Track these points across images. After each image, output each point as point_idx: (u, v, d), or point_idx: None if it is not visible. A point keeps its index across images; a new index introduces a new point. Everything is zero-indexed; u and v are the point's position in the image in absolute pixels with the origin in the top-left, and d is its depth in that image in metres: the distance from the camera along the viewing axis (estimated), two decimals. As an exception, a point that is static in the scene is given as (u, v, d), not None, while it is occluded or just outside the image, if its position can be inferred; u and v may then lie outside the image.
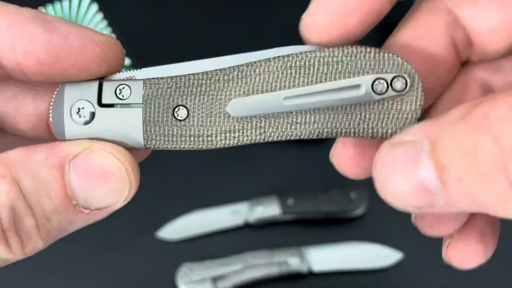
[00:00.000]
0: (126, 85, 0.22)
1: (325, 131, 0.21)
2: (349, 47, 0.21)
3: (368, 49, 0.21)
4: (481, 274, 0.49)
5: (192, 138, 0.22)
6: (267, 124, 0.21)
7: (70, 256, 0.51)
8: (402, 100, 0.21)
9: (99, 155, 0.20)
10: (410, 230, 0.52)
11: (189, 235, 0.51)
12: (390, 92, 0.21)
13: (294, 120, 0.21)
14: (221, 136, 0.21)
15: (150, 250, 0.51)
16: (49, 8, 0.64)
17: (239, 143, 0.22)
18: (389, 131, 0.21)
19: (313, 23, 0.21)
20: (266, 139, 0.21)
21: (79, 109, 0.21)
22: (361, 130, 0.21)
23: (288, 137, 0.21)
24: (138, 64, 0.61)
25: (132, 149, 0.22)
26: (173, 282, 0.49)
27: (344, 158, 0.25)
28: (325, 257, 0.49)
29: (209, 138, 0.22)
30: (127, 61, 0.61)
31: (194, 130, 0.22)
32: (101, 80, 0.22)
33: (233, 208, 0.52)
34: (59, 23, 0.20)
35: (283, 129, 0.21)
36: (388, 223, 0.51)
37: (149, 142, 0.22)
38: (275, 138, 0.21)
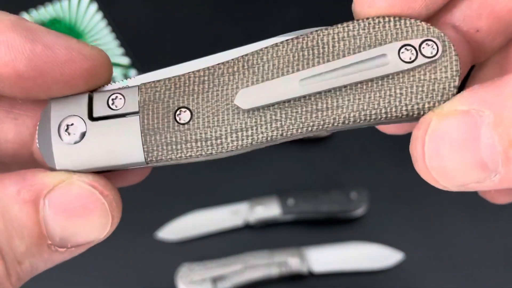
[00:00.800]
0: (119, 93, 0.19)
1: (352, 115, 0.18)
2: (365, 19, 0.18)
3: (386, 18, 0.18)
4: (482, 275, 0.49)
5: (199, 143, 0.19)
6: (283, 115, 0.18)
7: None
8: (435, 68, 0.18)
9: (78, 188, 0.18)
10: (411, 231, 0.52)
11: (189, 235, 0.51)
12: (421, 59, 0.18)
13: (314, 107, 0.18)
14: (231, 137, 0.19)
15: (150, 251, 0.51)
16: (49, 8, 0.64)
17: (254, 143, 0.19)
18: (426, 106, 0.18)
19: (370, 3, 0.19)
20: (284, 135, 0.18)
21: (67, 126, 0.19)
22: (393, 109, 0.18)
23: (309, 129, 0.18)
24: (137, 63, 0.60)
25: (131, 169, 0.20)
26: (173, 282, 0.49)
27: None
28: (326, 258, 0.49)
29: (219, 141, 0.19)
30: (126, 61, 0.61)
31: (201, 133, 0.19)
32: (90, 92, 0.20)
33: (233, 208, 0.52)
34: (43, 32, 0.18)
35: (303, 120, 0.18)
36: (389, 224, 0.51)
37: (149, 155, 0.19)
38: (294, 132, 0.18)
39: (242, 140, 0.19)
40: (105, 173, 0.20)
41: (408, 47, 0.18)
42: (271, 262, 0.48)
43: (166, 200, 0.53)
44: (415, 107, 0.18)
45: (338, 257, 0.49)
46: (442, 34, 0.18)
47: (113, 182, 0.22)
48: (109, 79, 0.20)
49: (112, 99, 0.19)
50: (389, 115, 0.18)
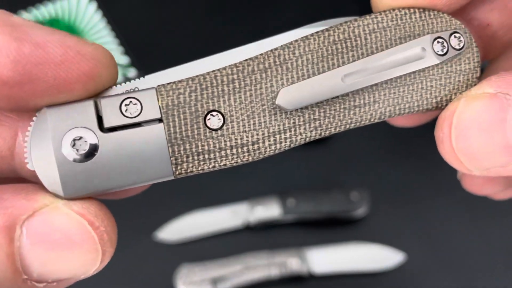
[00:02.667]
0: (133, 97, 0.16)
1: (387, 110, 0.18)
2: (391, 10, 0.18)
3: (412, 10, 0.18)
4: (483, 275, 0.49)
5: (234, 150, 0.17)
6: (322, 114, 0.17)
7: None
8: (459, 60, 0.18)
9: (64, 216, 0.15)
10: (412, 231, 0.51)
11: (188, 236, 0.51)
12: (451, 52, 0.18)
13: (352, 103, 0.18)
14: (269, 140, 0.17)
15: (149, 251, 0.51)
16: (48, 7, 0.63)
17: (292, 145, 0.17)
18: (452, 97, 0.18)
19: None
20: (322, 134, 0.17)
21: (74, 141, 0.16)
22: (424, 102, 0.18)
23: (346, 127, 0.18)
24: (136, 63, 0.60)
25: (153, 182, 0.17)
26: (172, 283, 0.49)
27: None
28: (326, 258, 0.49)
29: (256, 146, 0.17)
30: (126, 60, 0.60)
31: (236, 139, 0.17)
32: (95, 98, 0.17)
33: (233, 209, 0.52)
34: (33, 28, 0.15)
35: (341, 118, 0.17)
36: (390, 224, 0.51)
37: (179, 167, 0.17)
38: (332, 131, 0.18)
39: (280, 143, 0.17)
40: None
41: (440, 39, 0.18)
42: (271, 262, 0.48)
43: (165, 200, 0.53)
44: (444, 98, 0.18)
45: (339, 258, 0.49)
46: (463, 26, 0.18)
47: (111, 196, 0.19)
48: (113, 82, 0.17)
49: (126, 105, 0.16)
50: (420, 108, 0.18)
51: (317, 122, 0.17)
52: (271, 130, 0.17)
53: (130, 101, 0.16)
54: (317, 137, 0.18)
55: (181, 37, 0.62)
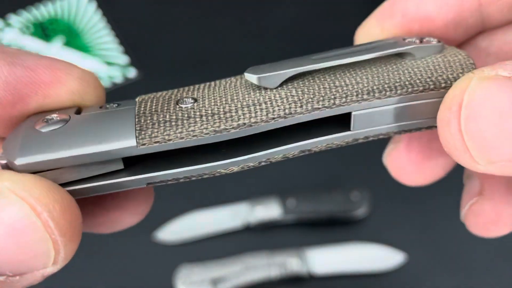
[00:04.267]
0: (116, 102, 0.17)
1: (376, 87, 0.17)
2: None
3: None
4: (485, 275, 0.49)
5: (204, 118, 0.16)
6: (300, 92, 0.17)
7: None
8: (445, 55, 0.19)
9: (4, 200, 0.14)
10: (413, 231, 0.51)
11: (188, 236, 0.51)
12: (426, 41, 0.19)
13: (332, 84, 0.17)
14: (243, 110, 0.16)
15: (149, 252, 0.51)
16: (48, 7, 0.63)
17: (270, 115, 0.16)
18: (450, 76, 0.18)
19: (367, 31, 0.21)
20: (304, 107, 0.17)
21: (47, 119, 0.16)
22: (418, 81, 0.17)
23: (331, 102, 0.17)
24: (136, 63, 0.60)
25: (125, 185, 0.16)
26: (172, 283, 0.48)
27: (406, 163, 0.22)
28: (326, 259, 0.49)
29: (228, 114, 0.16)
30: (125, 60, 0.60)
31: (206, 110, 0.16)
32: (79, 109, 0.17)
33: (233, 209, 0.52)
34: (24, 54, 0.16)
35: (322, 94, 0.17)
36: (391, 224, 0.51)
37: (142, 133, 0.15)
38: (315, 105, 0.17)
39: (256, 112, 0.16)
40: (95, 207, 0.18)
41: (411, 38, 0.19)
42: (271, 263, 0.48)
43: (164, 200, 0.53)
44: (439, 78, 0.18)
45: (339, 258, 0.49)
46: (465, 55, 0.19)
47: (106, 226, 0.20)
48: (100, 102, 0.18)
49: (106, 106, 0.17)
50: (415, 87, 0.17)
51: (296, 97, 0.17)
52: (244, 103, 0.17)
53: (111, 104, 0.17)
54: (298, 109, 0.16)
55: (181, 37, 0.62)
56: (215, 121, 0.16)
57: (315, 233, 0.51)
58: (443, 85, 0.17)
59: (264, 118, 0.16)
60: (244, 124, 0.16)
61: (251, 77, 0.17)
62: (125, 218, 0.21)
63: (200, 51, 0.60)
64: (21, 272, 0.14)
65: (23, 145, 0.15)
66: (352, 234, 0.50)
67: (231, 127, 0.16)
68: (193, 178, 0.18)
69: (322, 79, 0.18)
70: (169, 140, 0.16)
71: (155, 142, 0.16)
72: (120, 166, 0.16)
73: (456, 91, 0.15)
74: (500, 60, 0.18)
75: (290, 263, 0.48)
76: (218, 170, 0.17)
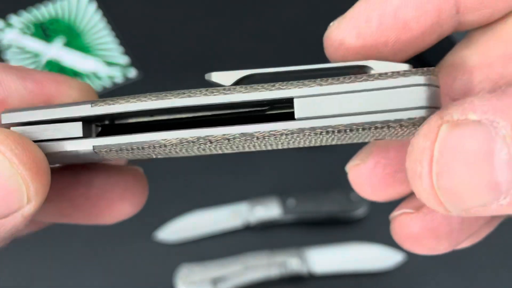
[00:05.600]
0: None
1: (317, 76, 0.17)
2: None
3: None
4: (484, 276, 0.49)
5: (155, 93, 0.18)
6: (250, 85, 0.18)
7: (66, 259, 0.51)
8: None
9: None
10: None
11: (188, 236, 0.51)
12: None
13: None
14: (192, 91, 0.18)
15: (149, 252, 0.51)
16: (48, 7, 0.63)
17: (210, 90, 0.17)
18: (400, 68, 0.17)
19: (340, 40, 0.19)
20: (242, 88, 0.17)
21: None
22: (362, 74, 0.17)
23: (270, 85, 0.17)
24: (136, 63, 0.60)
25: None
26: (172, 283, 0.48)
27: (368, 184, 0.21)
28: (326, 259, 0.49)
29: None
30: (126, 60, 0.60)
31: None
32: None
33: (232, 209, 0.52)
34: (32, 71, 0.20)
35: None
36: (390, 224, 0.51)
37: (99, 99, 0.18)
38: (255, 86, 0.17)
39: (201, 91, 0.17)
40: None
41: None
42: (271, 263, 0.48)
43: (164, 200, 0.53)
44: (387, 72, 0.17)
45: (339, 258, 0.49)
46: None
47: (105, 216, 0.22)
48: None
49: None
50: (359, 77, 0.17)
51: (241, 85, 0.17)
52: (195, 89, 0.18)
53: None
54: (238, 89, 0.17)
55: (181, 37, 0.62)
56: (165, 94, 0.18)
57: (315, 233, 0.52)
58: (391, 75, 0.16)
59: (204, 91, 0.17)
60: (184, 93, 0.17)
61: (208, 75, 0.18)
62: (123, 209, 0.23)
63: (200, 51, 0.60)
64: (2, 212, 0.16)
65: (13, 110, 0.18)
66: (352, 234, 0.51)
67: (172, 95, 0.17)
68: (137, 153, 0.18)
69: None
70: (120, 102, 0.18)
71: (106, 103, 0.18)
72: (80, 133, 0.18)
73: (425, 143, 0.14)
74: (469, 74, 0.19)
75: (290, 263, 0.48)
76: (157, 140, 0.18)
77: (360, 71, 0.18)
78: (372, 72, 0.17)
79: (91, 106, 0.18)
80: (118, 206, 0.23)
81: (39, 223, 0.24)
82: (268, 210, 0.51)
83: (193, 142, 0.17)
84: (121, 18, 0.63)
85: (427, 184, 0.14)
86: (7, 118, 0.18)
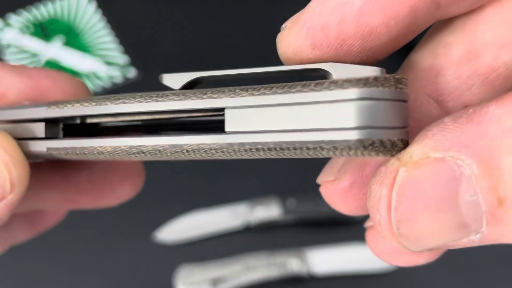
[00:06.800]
0: None
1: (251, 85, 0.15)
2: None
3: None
4: (484, 276, 0.49)
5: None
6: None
7: (66, 259, 0.51)
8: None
9: None
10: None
11: (188, 236, 0.51)
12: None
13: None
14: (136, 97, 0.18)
15: (148, 252, 0.51)
16: (47, 7, 0.63)
17: (143, 97, 0.17)
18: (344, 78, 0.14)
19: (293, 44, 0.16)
20: (175, 95, 0.16)
21: None
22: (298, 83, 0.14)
23: (202, 92, 0.16)
24: (136, 63, 0.60)
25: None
26: (172, 283, 0.48)
27: (341, 202, 0.19)
28: (326, 259, 0.49)
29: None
30: (125, 60, 0.60)
31: None
32: None
33: (232, 209, 0.52)
34: (28, 68, 0.21)
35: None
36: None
37: (54, 102, 0.18)
38: (188, 93, 0.16)
39: (141, 96, 0.16)
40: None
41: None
42: (271, 263, 0.48)
43: (164, 200, 0.53)
44: (327, 81, 0.14)
45: (339, 259, 0.49)
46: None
47: (106, 197, 0.24)
48: None
49: None
50: (293, 86, 0.14)
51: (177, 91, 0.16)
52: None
53: None
54: (171, 96, 0.16)
55: (181, 37, 0.62)
56: (104, 98, 0.17)
57: (315, 233, 0.51)
58: (328, 86, 0.14)
59: (138, 97, 0.16)
60: (119, 99, 0.17)
61: (160, 77, 0.17)
62: (124, 190, 0.24)
63: (200, 51, 0.60)
64: None
65: None
66: (352, 235, 0.50)
67: (109, 100, 0.17)
68: (92, 156, 0.18)
69: None
70: (73, 104, 0.17)
71: (58, 106, 0.18)
72: (42, 134, 0.18)
73: (382, 190, 0.13)
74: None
75: (290, 263, 0.48)
76: (94, 147, 0.17)
77: (319, 75, 0.15)
78: (333, 77, 0.15)
79: (46, 109, 0.18)
80: (119, 187, 0.24)
81: (37, 228, 0.26)
82: (268, 211, 0.50)
83: (126, 151, 0.16)
84: (120, 17, 0.63)
85: (388, 231, 0.13)
86: None
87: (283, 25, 0.16)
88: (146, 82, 0.58)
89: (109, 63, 0.60)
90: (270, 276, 0.47)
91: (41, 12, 0.63)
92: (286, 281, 0.48)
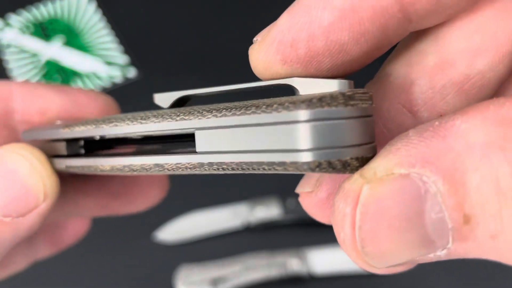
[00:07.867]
0: None
1: (219, 106, 0.15)
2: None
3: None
4: (484, 276, 0.49)
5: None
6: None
7: (66, 259, 0.51)
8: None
9: (10, 154, 0.19)
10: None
11: (188, 236, 0.51)
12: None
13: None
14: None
15: (148, 252, 0.51)
16: (48, 7, 0.63)
17: (128, 116, 0.18)
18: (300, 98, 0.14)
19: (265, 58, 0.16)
20: (156, 117, 0.17)
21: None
22: (259, 104, 0.14)
23: (176, 114, 0.16)
24: (136, 63, 0.60)
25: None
26: (172, 284, 0.48)
27: (319, 212, 0.18)
28: (326, 259, 0.49)
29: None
30: (126, 59, 0.60)
31: None
32: None
33: (232, 209, 0.52)
34: (67, 87, 0.24)
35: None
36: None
37: (69, 123, 0.20)
38: (165, 116, 0.17)
39: (132, 117, 0.17)
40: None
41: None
42: (271, 263, 0.48)
43: (165, 200, 0.52)
44: (286, 101, 0.14)
45: (339, 259, 0.49)
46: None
47: (129, 205, 0.26)
48: None
49: None
50: (250, 108, 0.14)
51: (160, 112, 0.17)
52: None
53: None
54: (152, 119, 0.16)
55: (181, 37, 0.62)
56: (101, 121, 0.19)
57: (315, 233, 0.51)
58: (276, 107, 0.13)
59: (127, 120, 0.17)
60: (112, 121, 0.18)
61: (153, 97, 0.18)
62: (153, 193, 0.27)
63: (200, 51, 0.60)
64: (22, 210, 0.19)
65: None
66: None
67: (104, 123, 0.18)
68: (105, 173, 0.19)
69: None
70: (81, 126, 0.19)
71: (72, 126, 0.19)
72: (64, 152, 0.20)
73: (346, 209, 0.13)
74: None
75: (290, 263, 0.48)
76: (96, 166, 0.19)
77: (291, 89, 0.16)
78: (299, 93, 0.15)
79: (62, 129, 0.20)
80: (149, 191, 0.26)
81: (59, 244, 0.28)
82: (268, 211, 0.50)
83: (121, 169, 0.18)
84: (120, 17, 0.63)
85: (352, 249, 0.13)
86: (25, 135, 0.22)
87: (254, 38, 0.16)
88: (146, 82, 0.58)
89: (109, 63, 0.60)
90: (270, 276, 0.48)
91: (41, 12, 0.63)
92: (286, 281, 0.48)
